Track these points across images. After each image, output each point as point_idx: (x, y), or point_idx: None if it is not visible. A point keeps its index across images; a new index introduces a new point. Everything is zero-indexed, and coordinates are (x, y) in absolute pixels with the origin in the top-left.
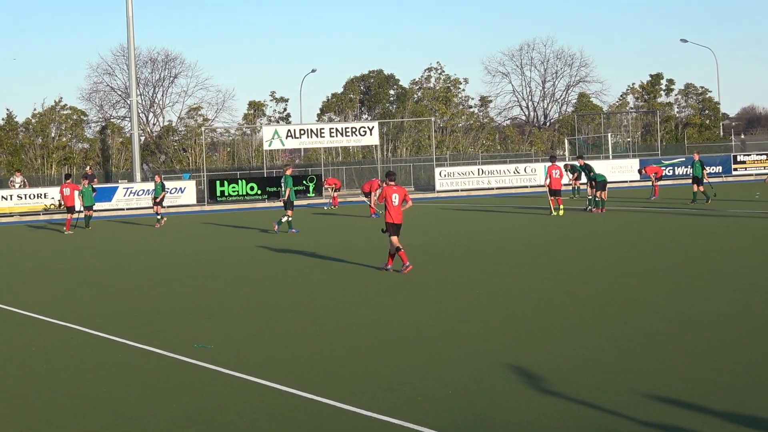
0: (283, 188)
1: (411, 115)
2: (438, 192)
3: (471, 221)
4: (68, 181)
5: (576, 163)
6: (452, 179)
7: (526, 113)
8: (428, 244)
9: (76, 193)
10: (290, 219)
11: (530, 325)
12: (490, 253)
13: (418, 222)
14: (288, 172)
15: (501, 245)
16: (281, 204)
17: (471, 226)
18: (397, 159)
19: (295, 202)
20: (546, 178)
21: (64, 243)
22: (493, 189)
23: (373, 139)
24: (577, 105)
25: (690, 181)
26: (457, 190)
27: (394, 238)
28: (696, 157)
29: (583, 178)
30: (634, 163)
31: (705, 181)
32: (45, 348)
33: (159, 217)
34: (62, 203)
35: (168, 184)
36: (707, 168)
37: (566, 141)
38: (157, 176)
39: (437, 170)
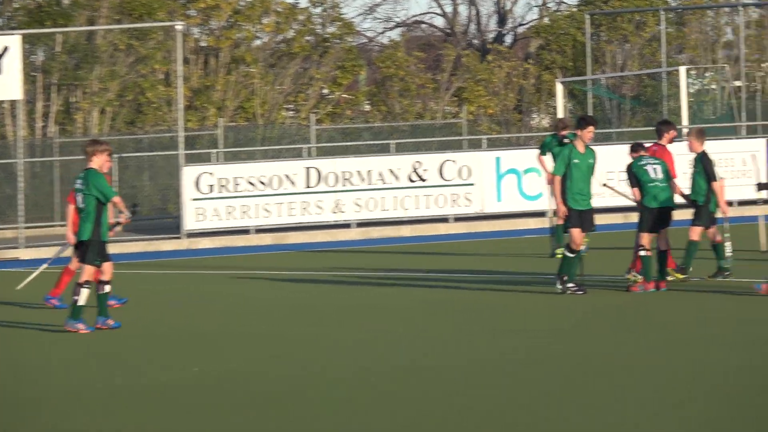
0: (82, 203)
1: (109, 21)
2: (190, 236)
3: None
4: None
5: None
6: (221, 200)
7: (448, 12)
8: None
9: None
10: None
11: None
12: None
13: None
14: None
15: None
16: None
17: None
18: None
19: None
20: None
21: None
22: (351, 223)
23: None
24: None
25: None
26: (246, 230)
27: None
28: None
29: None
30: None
31: None
32: None
33: None
34: None
35: None
36: None
37: (558, 85)
38: None
39: (188, 172)
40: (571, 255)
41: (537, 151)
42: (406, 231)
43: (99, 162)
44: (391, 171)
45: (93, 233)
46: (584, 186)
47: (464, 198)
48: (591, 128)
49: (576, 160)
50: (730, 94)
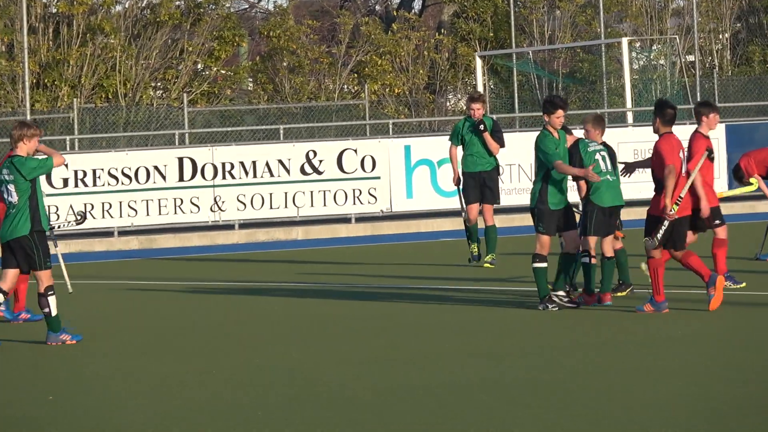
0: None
1: None
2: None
3: None
4: None
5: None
6: (77, 196)
7: None
8: None
9: None
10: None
11: None
12: None
13: None
14: None
15: None
16: None
17: None
18: None
19: None
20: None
21: None
22: (234, 224)
23: None
24: None
25: None
26: (108, 232)
27: None
28: None
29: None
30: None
31: None
32: None
33: None
34: None
35: None
36: None
37: (477, 60)
38: None
39: None
40: (542, 265)
41: (448, 142)
42: (298, 233)
43: (28, 149)
44: (281, 162)
45: (33, 225)
46: (566, 180)
47: (368, 194)
48: (560, 112)
49: (558, 150)
50: (681, 70)
